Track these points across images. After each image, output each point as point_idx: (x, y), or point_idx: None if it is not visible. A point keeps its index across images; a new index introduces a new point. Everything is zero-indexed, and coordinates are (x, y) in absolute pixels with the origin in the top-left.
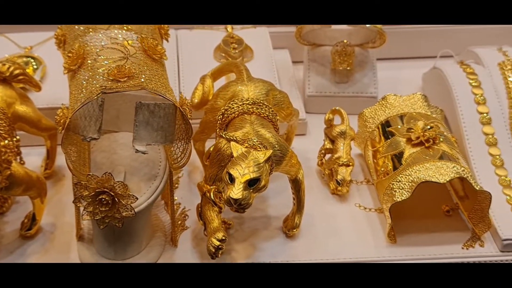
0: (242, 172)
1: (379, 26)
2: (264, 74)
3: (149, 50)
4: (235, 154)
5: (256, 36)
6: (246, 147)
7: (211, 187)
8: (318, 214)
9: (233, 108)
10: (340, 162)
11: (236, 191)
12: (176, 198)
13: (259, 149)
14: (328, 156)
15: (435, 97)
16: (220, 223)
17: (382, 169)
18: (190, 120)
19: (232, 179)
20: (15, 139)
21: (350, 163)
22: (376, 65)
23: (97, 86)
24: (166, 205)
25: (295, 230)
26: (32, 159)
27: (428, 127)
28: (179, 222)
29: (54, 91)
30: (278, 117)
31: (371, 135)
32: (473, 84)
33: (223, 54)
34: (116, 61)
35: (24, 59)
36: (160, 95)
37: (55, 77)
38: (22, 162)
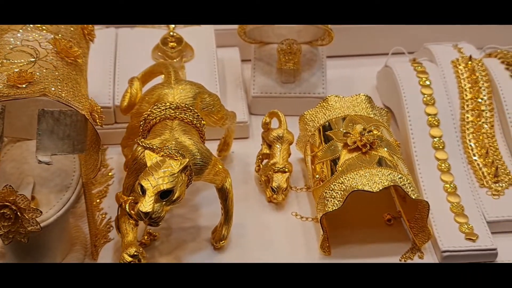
0: (154, 183)
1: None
2: (204, 74)
3: (61, 52)
4: (148, 164)
5: (200, 34)
6: (162, 155)
7: (128, 198)
8: (251, 224)
9: (154, 113)
10: (276, 168)
11: (146, 204)
12: (103, 207)
13: (176, 158)
14: (266, 161)
15: (388, 96)
16: (135, 237)
17: (317, 176)
18: (100, 127)
19: (143, 191)
20: None
21: (287, 170)
22: (325, 63)
23: None
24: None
25: (222, 242)
26: None
27: (367, 131)
28: (103, 233)
29: None
30: (208, 122)
31: (311, 139)
32: (422, 83)
33: (161, 54)
34: (23, 64)
35: None
36: (62, 102)
37: None
38: None
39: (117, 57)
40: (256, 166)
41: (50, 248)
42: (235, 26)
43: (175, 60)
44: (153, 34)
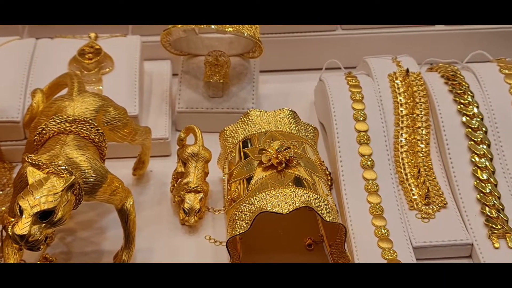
0: (32, 203)
1: (250, 33)
2: (123, 87)
3: None
4: (30, 181)
5: (124, 45)
6: (47, 172)
7: (12, 219)
8: (159, 248)
9: (49, 126)
10: (189, 188)
11: (21, 226)
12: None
13: (62, 175)
14: (180, 180)
15: (322, 112)
16: (17, 262)
17: (229, 196)
18: None
19: (21, 211)
20: None
21: (200, 189)
22: (257, 77)
23: None
24: None
25: None
26: None
27: (284, 148)
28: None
29: None
30: (114, 137)
31: (229, 156)
32: (354, 98)
33: (77, 66)
34: None
35: None
36: None
37: None
38: None
39: (31, 69)
40: (171, 185)
41: None
42: None
43: (92, 72)
44: (73, 44)
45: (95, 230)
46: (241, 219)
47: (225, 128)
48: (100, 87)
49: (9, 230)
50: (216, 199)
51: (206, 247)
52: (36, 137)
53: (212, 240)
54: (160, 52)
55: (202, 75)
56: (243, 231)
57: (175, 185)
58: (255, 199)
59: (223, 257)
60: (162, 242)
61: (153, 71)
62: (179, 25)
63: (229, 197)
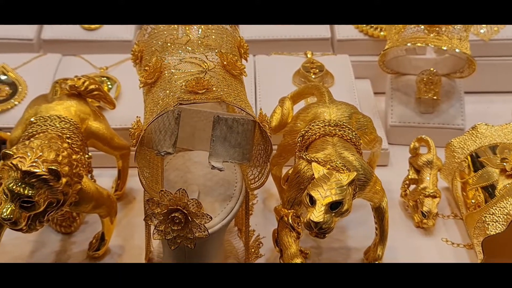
0: (324, 194)
1: (468, 53)
2: (345, 100)
3: (228, 65)
4: (316, 176)
5: (336, 63)
6: (328, 168)
7: (289, 211)
8: (401, 247)
9: (314, 129)
10: (426, 193)
11: (317, 214)
12: (250, 224)
13: (342, 172)
14: (412, 187)
15: None
16: (297, 249)
17: (473, 201)
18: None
19: (313, 202)
20: (87, 155)
21: (437, 195)
22: (463, 96)
23: (174, 98)
24: (239, 232)
25: (377, 262)
26: (103, 180)
27: None
28: (253, 249)
29: (128, 111)
30: (361, 142)
31: (459, 166)
32: None
33: (303, 79)
34: (194, 74)
35: (99, 79)
36: (241, 108)
37: (129, 97)
38: (93, 180)
39: (257, 81)
40: (403, 191)
41: (210, 257)
42: (367, 59)
43: None
44: (289, 60)
45: (337, 229)
46: (494, 220)
47: (452, 140)
48: None
49: (290, 220)
50: (441, 206)
51: (445, 248)
52: (299, 139)
53: (449, 242)
54: (358, 71)
55: (412, 92)
56: (499, 231)
57: (407, 191)
58: (506, 203)
59: (464, 258)
60: (402, 243)
61: (357, 88)
62: (394, 47)
63: (473, 201)
